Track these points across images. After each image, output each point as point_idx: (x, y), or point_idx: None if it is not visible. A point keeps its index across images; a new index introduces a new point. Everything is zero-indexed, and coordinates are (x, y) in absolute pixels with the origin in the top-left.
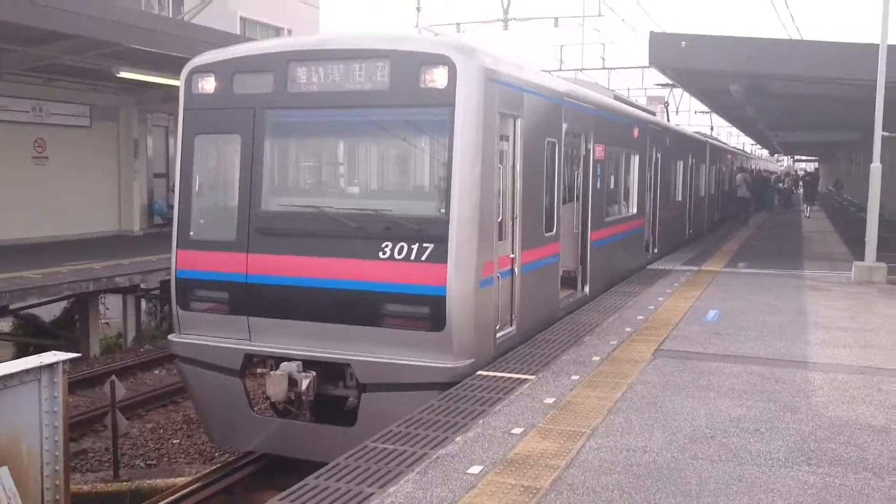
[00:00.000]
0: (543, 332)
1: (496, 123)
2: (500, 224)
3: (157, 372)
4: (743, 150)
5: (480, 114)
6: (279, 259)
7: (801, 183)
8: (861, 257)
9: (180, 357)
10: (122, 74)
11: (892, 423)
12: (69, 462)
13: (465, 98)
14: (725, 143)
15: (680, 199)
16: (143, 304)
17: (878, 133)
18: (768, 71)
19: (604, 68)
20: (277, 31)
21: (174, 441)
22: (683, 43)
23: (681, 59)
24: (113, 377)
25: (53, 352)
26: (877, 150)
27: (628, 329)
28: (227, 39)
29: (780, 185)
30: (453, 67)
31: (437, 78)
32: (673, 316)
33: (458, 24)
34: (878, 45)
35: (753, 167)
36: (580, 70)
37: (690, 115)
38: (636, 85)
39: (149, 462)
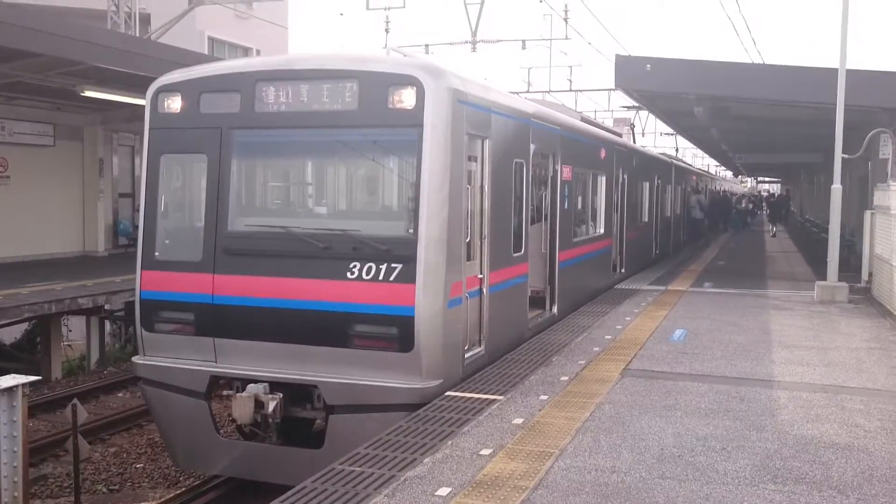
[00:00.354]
0: (512, 352)
1: (464, 144)
2: (469, 244)
3: (120, 395)
4: (707, 172)
5: (448, 134)
6: (246, 280)
7: (764, 204)
8: (823, 277)
9: (144, 379)
10: (87, 93)
11: (855, 441)
12: (28, 488)
13: (433, 119)
14: (690, 165)
15: (646, 219)
16: (108, 325)
17: (839, 155)
18: (730, 94)
19: (571, 90)
20: (246, 52)
21: (138, 465)
22: (649, 66)
23: (646, 81)
24: (74, 400)
25: (13, 375)
26: (837, 171)
27: (596, 349)
28: (195, 59)
29: (739, 206)
30: (421, 88)
31: (406, 98)
32: (640, 335)
33: (427, 45)
34: (836, 70)
35: (717, 188)
36: (548, 92)
37: (656, 137)
38: (603, 107)
39: (111, 487)
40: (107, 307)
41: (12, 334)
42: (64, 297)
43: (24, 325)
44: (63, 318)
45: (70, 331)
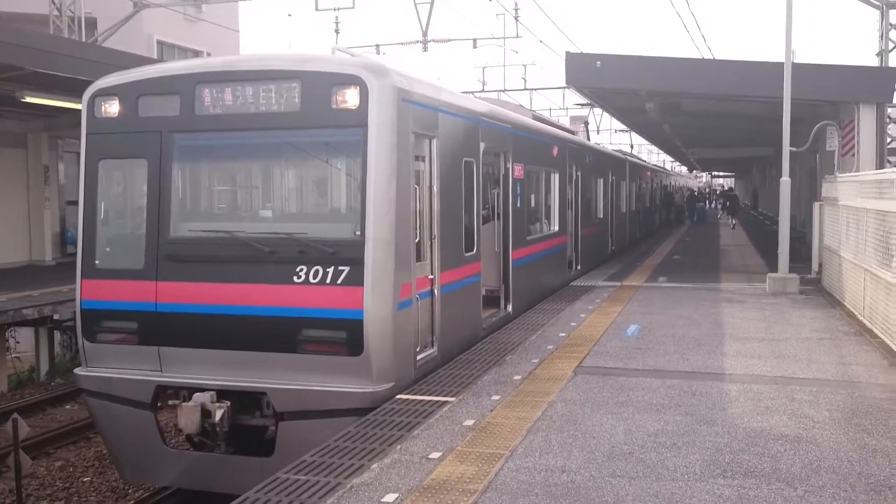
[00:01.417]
0: (466, 353)
1: (411, 143)
2: (418, 245)
3: (68, 407)
4: (663, 168)
5: (394, 134)
6: (190, 286)
7: (722, 199)
8: (775, 269)
9: (87, 391)
10: (28, 99)
11: (804, 432)
12: None
13: (378, 118)
14: (645, 161)
15: (601, 215)
16: (57, 336)
17: (787, 148)
18: (680, 89)
19: (525, 89)
20: (196, 55)
21: (84, 479)
22: (599, 63)
23: (597, 78)
24: (15, 415)
25: None
26: (785, 164)
27: (550, 347)
28: (140, 62)
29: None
30: (365, 88)
31: (349, 98)
32: (594, 332)
33: (378, 45)
34: (782, 64)
35: (672, 184)
36: (502, 91)
37: (611, 134)
38: (558, 105)
39: (56, 502)
40: (55, 317)
41: None
42: (7, 308)
43: None
44: (10, 330)
45: (18, 342)
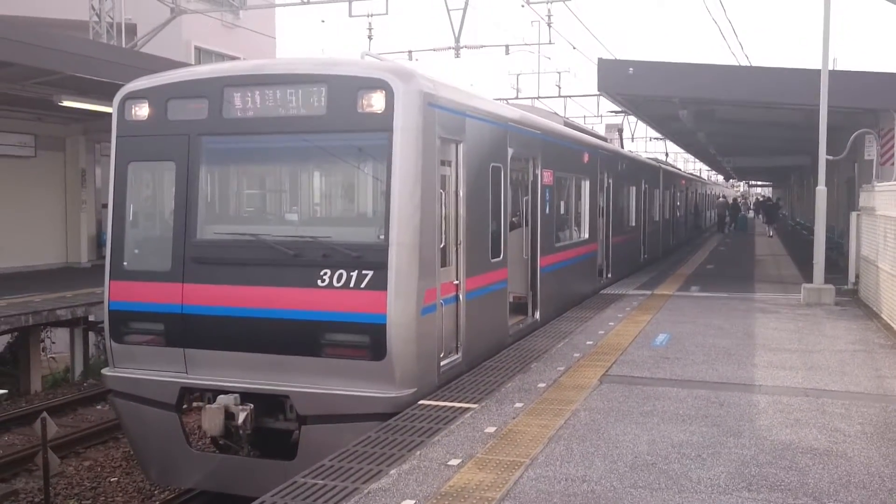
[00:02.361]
0: (491, 360)
1: (436, 148)
2: (443, 250)
3: (99, 407)
4: (699, 176)
5: (419, 138)
6: (215, 289)
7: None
8: (811, 279)
9: (114, 392)
10: (65, 103)
11: (835, 446)
12: None
13: (404, 122)
14: (680, 169)
15: (634, 223)
16: (92, 337)
17: (823, 157)
18: (714, 96)
19: (560, 96)
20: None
21: (112, 479)
22: (631, 69)
23: (629, 85)
24: (44, 414)
25: None
26: (821, 173)
27: (577, 355)
28: (176, 67)
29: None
30: (391, 92)
31: (375, 102)
32: (623, 341)
33: (410, 51)
34: (819, 71)
35: (707, 193)
36: (536, 98)
37: (646, 142)
38: (592, 112)
39: (83, 502)
40: (91, 318)
41: None
42: (41, 308)
43: (7, 339)
44: (46, 330)
45: (54, 343)
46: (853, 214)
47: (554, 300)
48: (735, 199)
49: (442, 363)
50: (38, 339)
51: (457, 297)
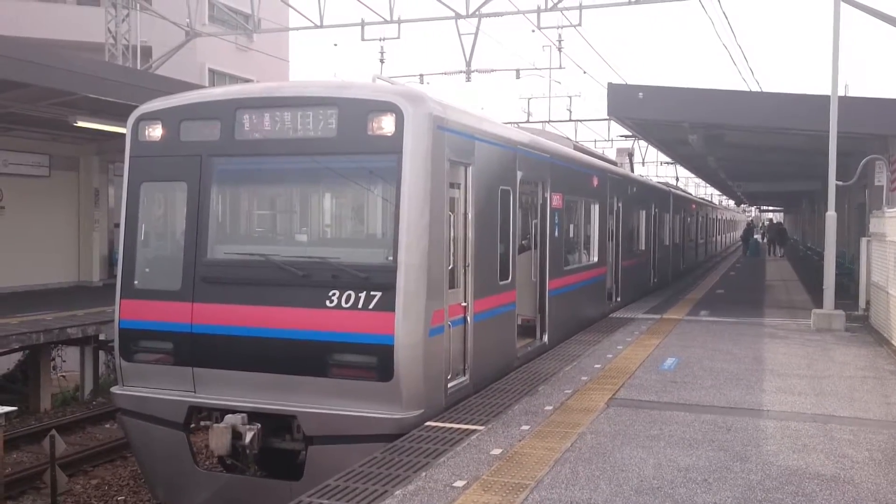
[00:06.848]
0: (498, 382)
1: (445, 171)
2: (451, 272)
3: (107, 426)
4: (709, 201)
5: (428, 161)
6: (225, 308)
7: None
8: (821, 305)
9: (123, 410)
10: (80, 124)
11: (842, 472)
12: None
13: (413, 145)
14: (690, 194)
15: (643, 247)
16: (102, 355)
17: (832, 182)
18: (723, 121)
19: (570, 120)
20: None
21: (119, 498)
22: (641, 94)
23: (639, 109)
24: (53, 432)
25: None
26: (831, 198)
27: (584, 378)
28: (190, 89)
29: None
30: (401, 115)
31: (385, 125)
32: (630, 364)
33: (421, 75)
34: (828, 97)
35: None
36: (547, 122)
37: (657, 167)
38: (603, 136)
39: None
40: (101, 337)
41: (5, 365)
42: (52, 327)
43: (17, 357)
44: (57, 349)
45: (64, 361)
46: (863, 240)
47: (562, 323)
48: (749, 223)
49: (449, 385)
50: (48, 357)
51: (465, 319)
